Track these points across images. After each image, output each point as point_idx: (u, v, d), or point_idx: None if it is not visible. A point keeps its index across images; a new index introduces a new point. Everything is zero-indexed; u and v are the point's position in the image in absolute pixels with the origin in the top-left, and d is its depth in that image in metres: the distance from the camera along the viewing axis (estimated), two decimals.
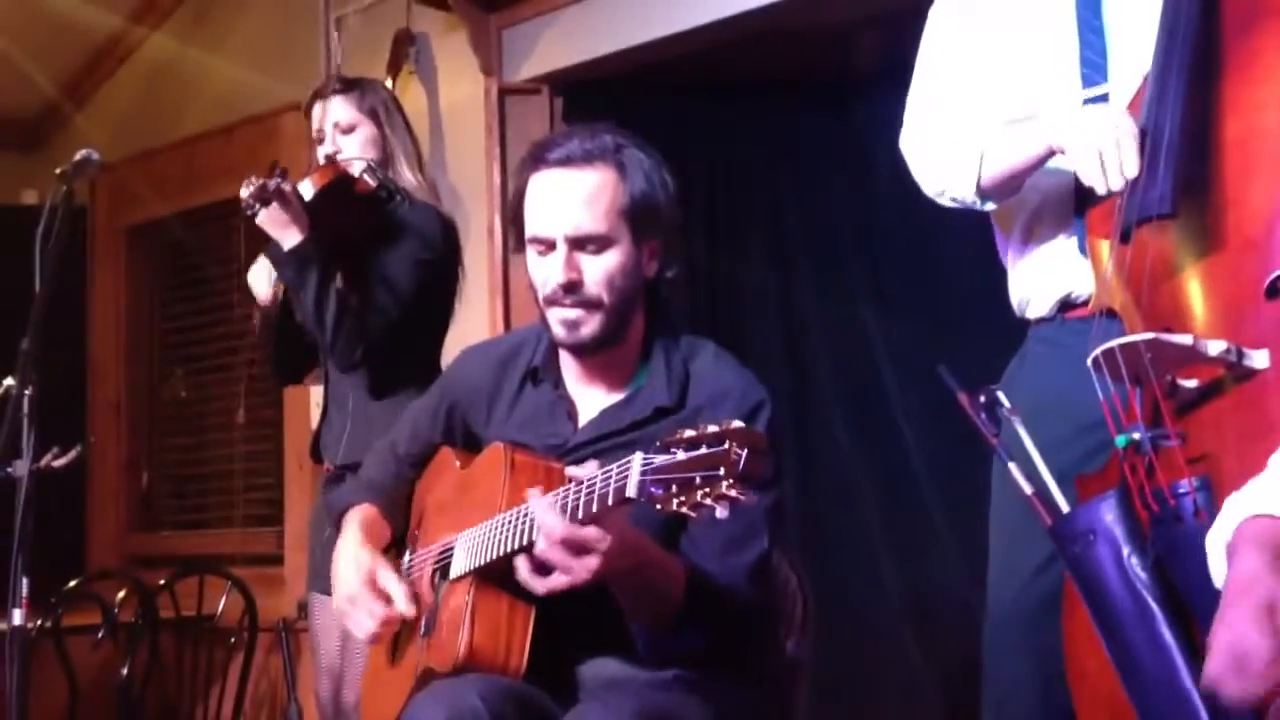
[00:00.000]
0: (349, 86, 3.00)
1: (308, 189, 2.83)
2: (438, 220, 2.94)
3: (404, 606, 2.11)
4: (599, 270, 2.06)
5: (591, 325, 2.07)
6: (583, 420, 2.15)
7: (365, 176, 2.88)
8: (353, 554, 2.20)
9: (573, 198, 2.05)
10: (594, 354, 2.12)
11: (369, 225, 2.89)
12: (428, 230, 2.90)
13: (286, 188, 2.76)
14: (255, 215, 2.75)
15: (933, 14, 2.19)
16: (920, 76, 2.17)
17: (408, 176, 2.99)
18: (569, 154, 2.07)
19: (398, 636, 2.24)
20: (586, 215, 2.04)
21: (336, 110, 2.97)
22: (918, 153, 2.12)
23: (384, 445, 2.41)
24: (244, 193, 2.74)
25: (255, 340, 2.99)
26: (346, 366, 2.88)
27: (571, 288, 2.05)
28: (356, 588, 2.15)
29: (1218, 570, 1.52)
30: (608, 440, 2.08)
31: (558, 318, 2.08)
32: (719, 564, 1.99)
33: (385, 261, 2.86)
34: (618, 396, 2.14)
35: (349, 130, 2.96)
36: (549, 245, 2.06)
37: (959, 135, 2.05)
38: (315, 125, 3.01)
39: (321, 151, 3.00)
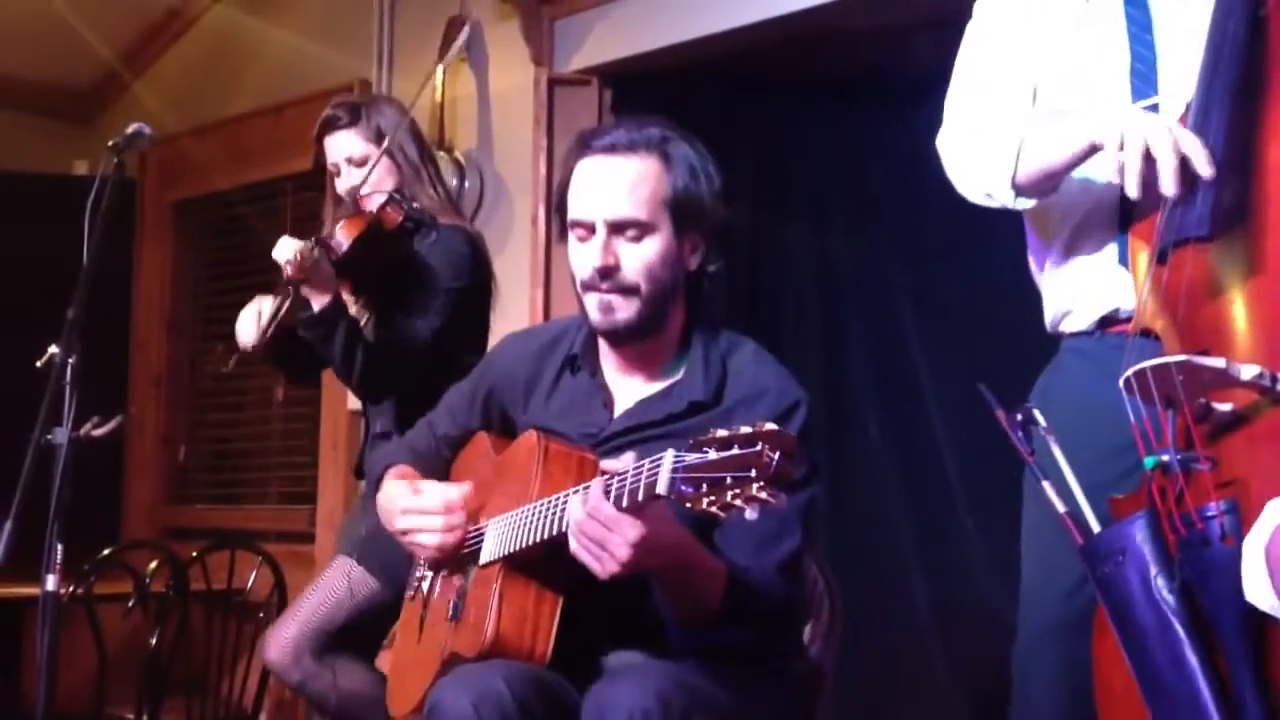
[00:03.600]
0: (354, 117, 3.00)
1: (342, 240, 2.86)
2: (465, 242, 2.96)
3: (458, 494, 2.15)
4: (637, 257, 2.07)
5: (627, 311, 2.08)
6: (619, 410, 2.15)
7: (390, 210, 2.91)
8: (391, 488, 2.24)
9: (615, 184, 2.07)
10: (630, 342, 2.13)
11: (393, 260, 2.92)
12: (455, 257, 2.92)
13: (321, 259, 2.81)
14: (299, 289, 2.82)
15: (976, 15, 2.17)
16: (961, 76, 2.14)
17: (426, 198, 3.01)
18: (614, 142, 2.09)
19: (423, 618, 2.25)
20: (627, 201, 2.06)
21: (347, 144, 2.99)
22: (954, 148, 2.09)
23: (423, 423, 2.43)
24: (285, 266, 2.80)
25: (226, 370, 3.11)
26: (374, 403, 2.98)
27: (608, 273, 2.06)
28: (408, 501, 2.18)
29: (1254, 576, 1.51)
30: (642, 432, 2.09)
31: (594, 302, 2.09)
32: (752, 560, 1.99)
33: (415, 295, 2.89)
34: (655, 388, 2.14)
35: (363, 163, 2.99)
36: (589, 229, 2.08)
37: (997, 131, 2.02)
38: (329, 159, 3.03)
39: (340, 185, 3.03)
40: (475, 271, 2.97)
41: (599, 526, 1.81)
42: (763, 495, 1.61)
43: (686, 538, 1.90)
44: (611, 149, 2.09)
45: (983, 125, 2.05)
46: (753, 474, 1.61)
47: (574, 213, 2.10)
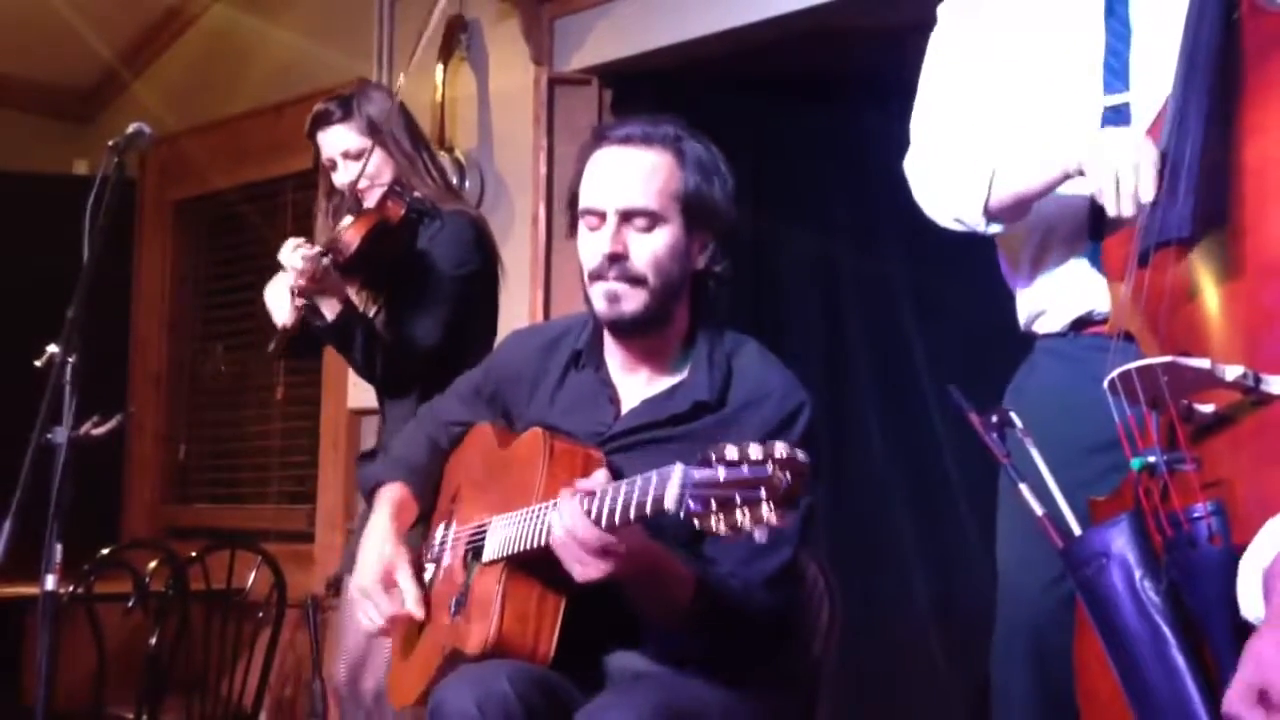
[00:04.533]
0: (346, 111, 2.99)
1: (350, 242, 2.85)
2: (469, 227, 2.96)
3: (414, 608, 2.15)
4: (646, 248, 2.07)
5: (633, 302, 2.08)
6: (625, 408, 2.15)
7: (391, 204, 2.91)
8: (379, 543, 2.22)
9: (628, 173, 2.08)
10: (634, 336, 2.13)
11: (399, 253, 2.92)
12: (460, 243, 2.92)
13: (332, 271, 2.80)
14: (311, 299, 2.81)
15: (937, 32, 2.16)
16: (925, 95, 2.14)
17: (424, 186, 3.00)
18: (630, 134, 2.11)
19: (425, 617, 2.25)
20: (639, 190, 2.07)
21: (342, 139, 2.98)
22: (922, 174, 2.10)
23: (420, 421, 2.43)
24: (296, 277, 2.78)
25: (270, 355, 3.06)
26: (398, 396, 2.95)
27: (616, 259, 2.07)
28: (372, 581, 2.18)
29: (1249, 596, 1.50)
30: (647, 432, 2.09)
31: (600, 291, 2.09)
32: (740, 569, 1.99)
33: (424, 286, 2.88)
34: (660, 386, 2.14)
35: (359, 156, 2.97)
36: (600, 217, 2.09)
37: (966, 156, 2.02)
38: (324, 154, 3.02)
39: (337, 179, 3.02)
40: (481, 256, 2.96)
41: (577, 548, 1.83)
42: (772, 519, 1.60)
43: (651, 546, 1.90)
44: (626, 140, 2.10)
45: (951, 150, 2.06)
46: (762, 494, 1.60)
47: (585, 201, 2.11)
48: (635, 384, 2.16)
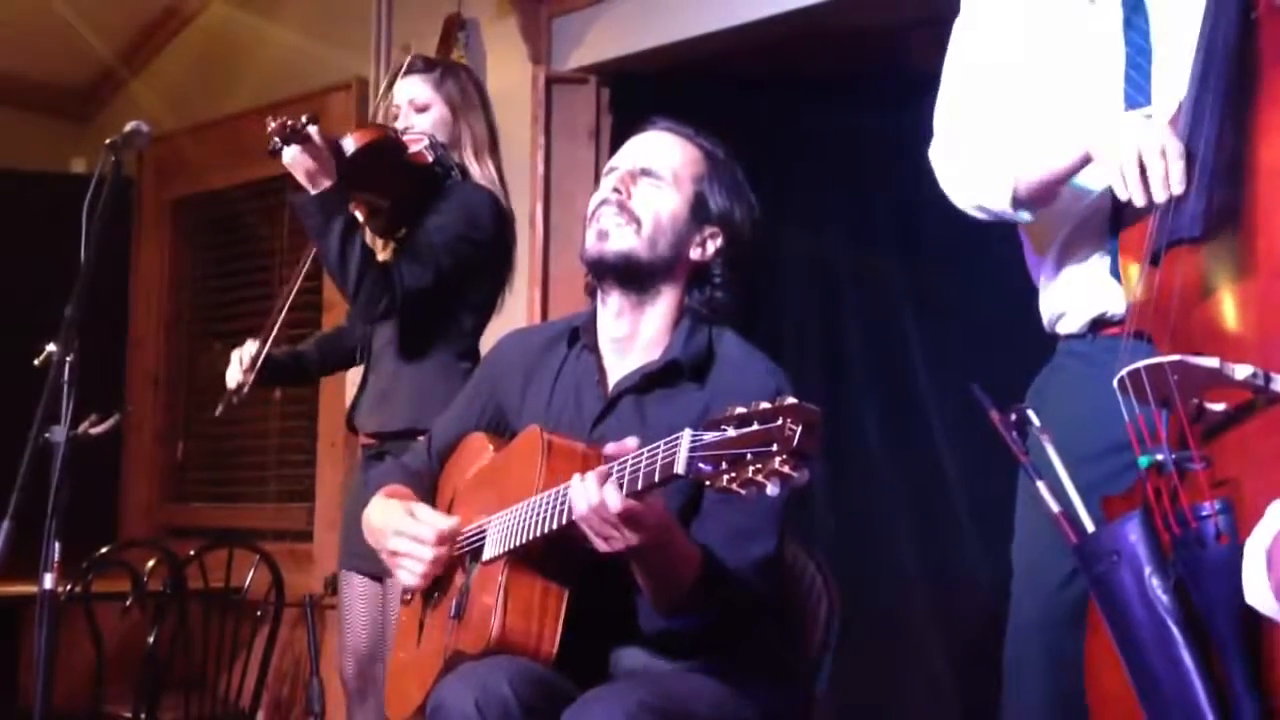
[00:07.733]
0: (429, 66, 3.06)
1: (349, 144, 2.83)
2: (492, 206, 2.94)
3: (448, 525, 2.13)
4: (648, 198, 2.14)
5: (621, 239, 2.12)
6: (612, 390, 2.17)
7: (423, 150, 2.91)
8: (382, 507, 2.22)
9: (654, 146, 2.18)
10: (617, 282, 2.14)
11: (412, 193, 2.90)
12: (478, 211, 2.90)
13: (313, 132, 2.71)
14: (278, 152, 2.72)
15: (960, 20, 2.16)
16: (948, 84, 2.14)
17: (473, 164, 3.00)
18: (676, 126, 2.21)
19: (422, 621, 2.25)
20: (656, 159, 2.15)
21: (413, 88, 3.02)
22: (948, 162, 2.09)
23: (423, 441, 2.43)
24: (270, 126, 2.72)
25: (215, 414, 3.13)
26: (368, 320, 2.94)
27: (617, 196, 2.13)
28: (402, 524, 2.15)
29: (1254, 579, 1.51)
30: (623, 398, 2.12)
31: (594, 229, 2.14)
32: (723, 554, 1.99)
33: (430, 230, 2.86)
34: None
35: (423, 109, 3.00)
36: (613, 172, 2.17)
37: (992, 144, 2.02)
38: (395, 99, 3.05)
39: (398, 125, 3.02)
40: (493, 227, 2.92)
41: (599, 520, 1.82)
42: (785, 469, 1.60)
43: (669, 519, 1.90)
44: (670, 129, 2.20)
45: (976, 138, 2.05)
46: (775, 448, 1.60)
47: (610, 163, 2.20)
48: (625, 367, 2.17)
